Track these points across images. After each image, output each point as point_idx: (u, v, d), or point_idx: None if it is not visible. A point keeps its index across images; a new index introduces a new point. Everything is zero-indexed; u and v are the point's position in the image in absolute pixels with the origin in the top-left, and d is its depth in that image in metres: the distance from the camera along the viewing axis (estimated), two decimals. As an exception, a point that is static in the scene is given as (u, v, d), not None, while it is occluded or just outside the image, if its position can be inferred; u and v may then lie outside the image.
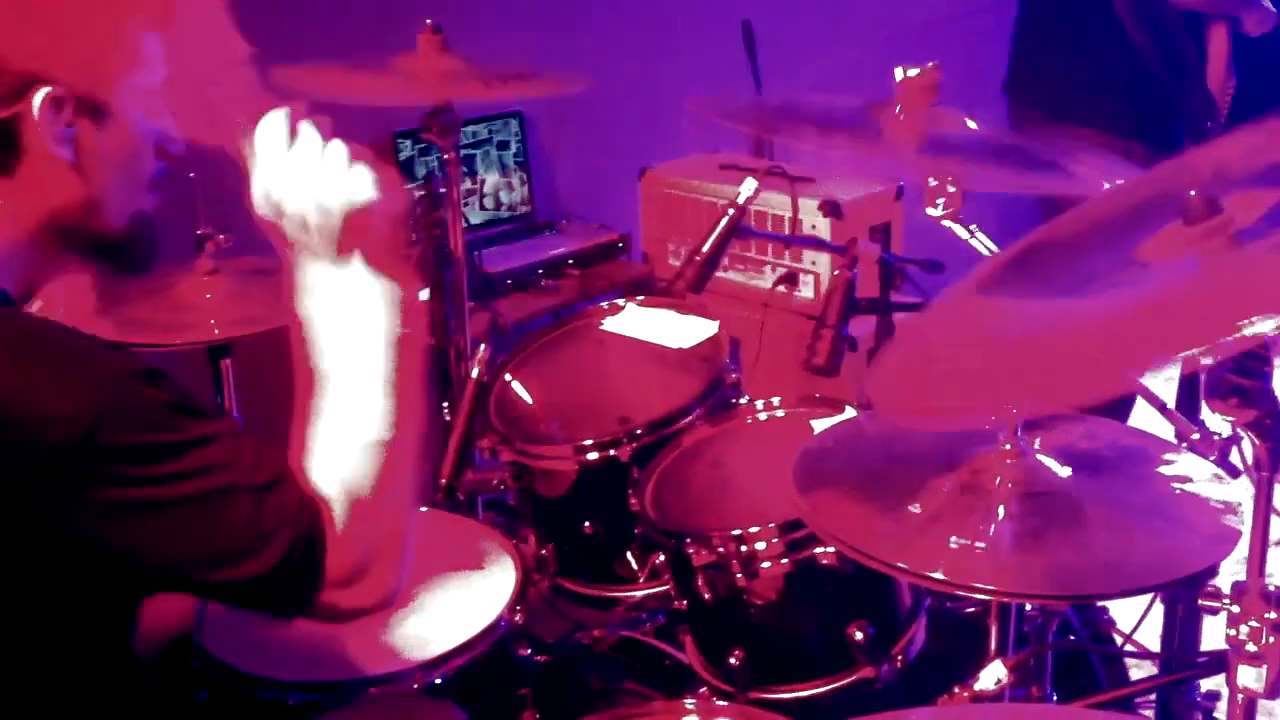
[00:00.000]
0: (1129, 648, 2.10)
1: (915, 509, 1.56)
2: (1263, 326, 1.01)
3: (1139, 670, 2.16)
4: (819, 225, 3.01)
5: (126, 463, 1.17)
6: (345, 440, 1.30)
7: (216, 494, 1.21)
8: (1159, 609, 2.05)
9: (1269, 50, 2.84)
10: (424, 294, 2.12)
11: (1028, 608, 1.65)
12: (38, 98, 1.25)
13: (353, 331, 1.34)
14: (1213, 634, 1.94)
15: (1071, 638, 1.93)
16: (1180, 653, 1.92)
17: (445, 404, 2.58)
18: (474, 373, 2.20)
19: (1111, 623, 2.04)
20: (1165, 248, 1.29)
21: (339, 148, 1.36)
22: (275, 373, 2.81)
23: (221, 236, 2.35)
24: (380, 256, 1.36)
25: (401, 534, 1.32)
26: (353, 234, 1.34)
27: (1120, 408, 2.67)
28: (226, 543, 1.22)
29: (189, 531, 1.21)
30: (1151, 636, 2.19)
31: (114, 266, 1.42)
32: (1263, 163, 1.31)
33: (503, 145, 3.47)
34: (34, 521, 1.17)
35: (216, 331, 2.29)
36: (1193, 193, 1.25)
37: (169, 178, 1.43)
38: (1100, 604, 2.04)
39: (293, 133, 1.36)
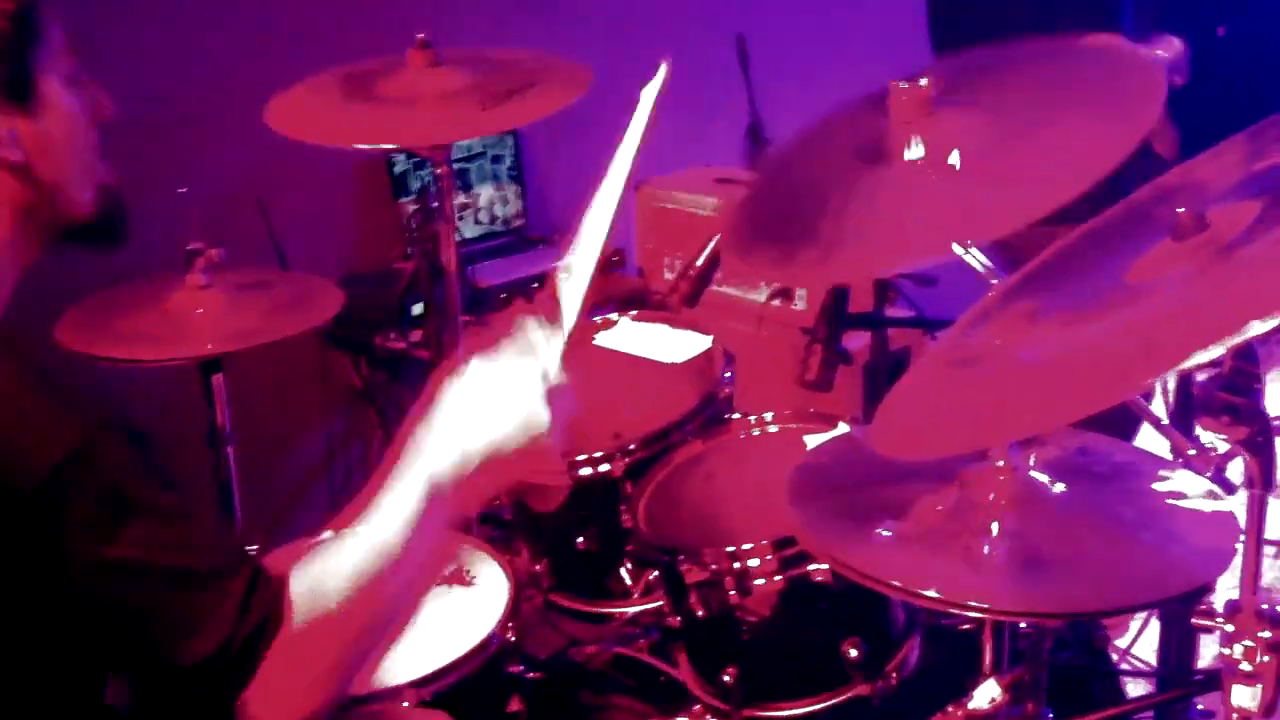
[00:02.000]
0: (1126, 664, 2.09)
1: (907, 526, 1.55)
2: (1258, 328, 1.02)
3: (1136, 687, 2.15)
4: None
5: (87, 507, 1.14)
6: (346, 561, 1.25)
7: (166, 571, 1.17)
8: (1155, 624, 2.04)
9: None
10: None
11: (1022, 625, 1.64)
12: None
13: (435, 469, 1.30)
14: (1211, 650, 1.93)
15: (1067, 654, 1.92)
16: (1177, 670, 1.91)
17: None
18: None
19: (1107, 639, 2.03)
20: (1154, 266, 1.29)
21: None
22: (266, 388, 2.82)
23: (213, 251, 2.34)
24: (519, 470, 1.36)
25: (345, 668, 1.27)
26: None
27: (1127, 427, 2.65)
28: (166, 620, 1.17)
29: (126, 602, 1.17)
30: (1148, 652, 2.19)
31: (90, 245, 1.40)
32: (1239, 176, 1.31)
33: (497, 159, 3.46)
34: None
35: (209, 346, 2.28)
36: (1180, 210, 1.25)
37: (111, 144, 1.40)
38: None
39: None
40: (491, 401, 1.33)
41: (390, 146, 3.04)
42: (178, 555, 1.18)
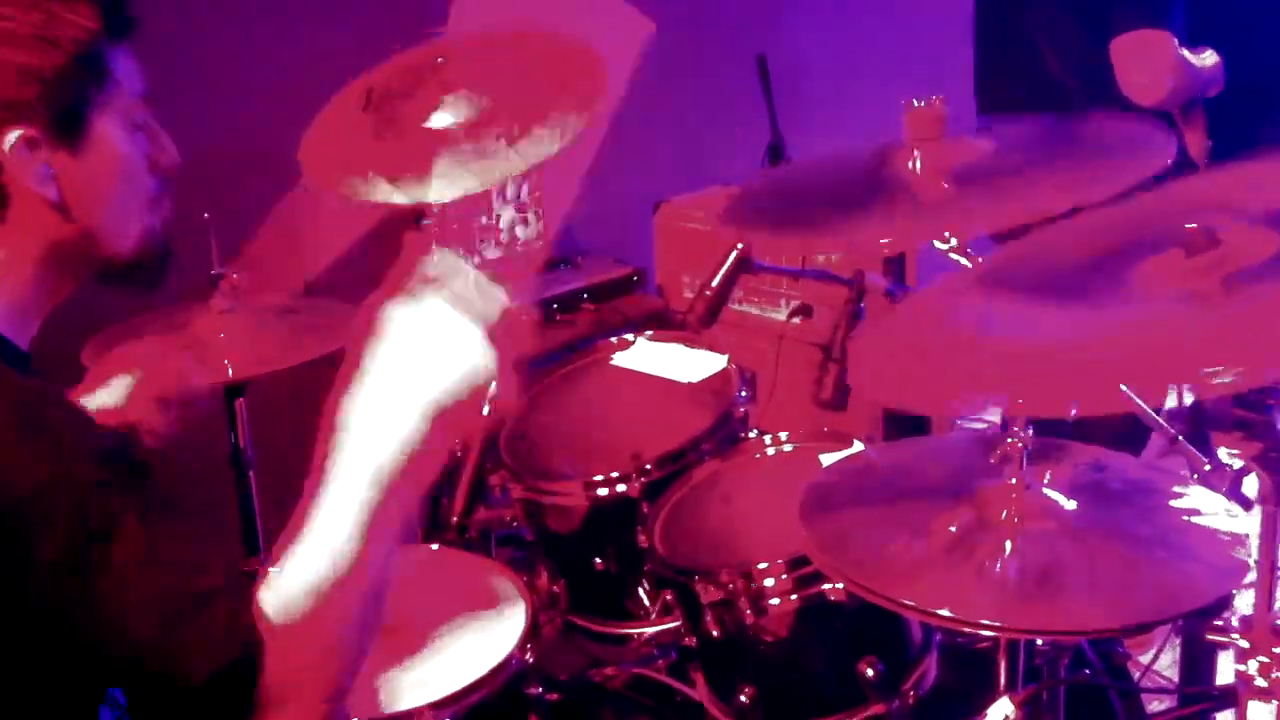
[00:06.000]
0: (1147, 681, 2.08)
1: (921, 545, 1.55)
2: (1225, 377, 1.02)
3: (1158, 705, 2.13)
4: (832, 256, 3.00)
5: (54, 540, 1.13)
6: (304, 567, 1.18)
7: (142, 601, 1.14)
8: (1176, 640, 2.03)
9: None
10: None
11: (1038, 642, 1.64)
12: (8, 142, 1.22)
13: (375, 448, 1.20)
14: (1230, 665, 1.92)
15: (1086, 671, 1.91)
16: (1197, 686, 1.90)
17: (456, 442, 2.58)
18: (484, 410, 2.20)
19: (1127, 655, 2.01)
20: (1160, 277, 1.29)
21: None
22: (289, 412, 2.83)
23: (236, 276, 2.37)
24: (470, 402, 1.23)
25: (331, 667, 1.20)
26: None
27: (1133, 440, 2.64)
28: (155, 649, 1.15)
29: (113, 630, 1.14)
30: (1171, 669, 2.17)
31: (125, 288, 1.39)
32: (1262, 201, 1.31)
33: (517, 181, 3.48)
34: None
35: (231, 371, 2.30)
36: (1192, 225, 1.26)
37: (173, 192, 1.40)
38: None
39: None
40: (426, 358, 1.21)
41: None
42: (155, 582, 1.15)
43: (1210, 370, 1.05)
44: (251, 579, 1.20)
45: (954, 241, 1.74)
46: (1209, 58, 2.68)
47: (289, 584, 1.18)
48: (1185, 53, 2.56)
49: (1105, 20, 2.58)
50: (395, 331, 1.22)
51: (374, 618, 1.23)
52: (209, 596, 1.16)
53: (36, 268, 1.30)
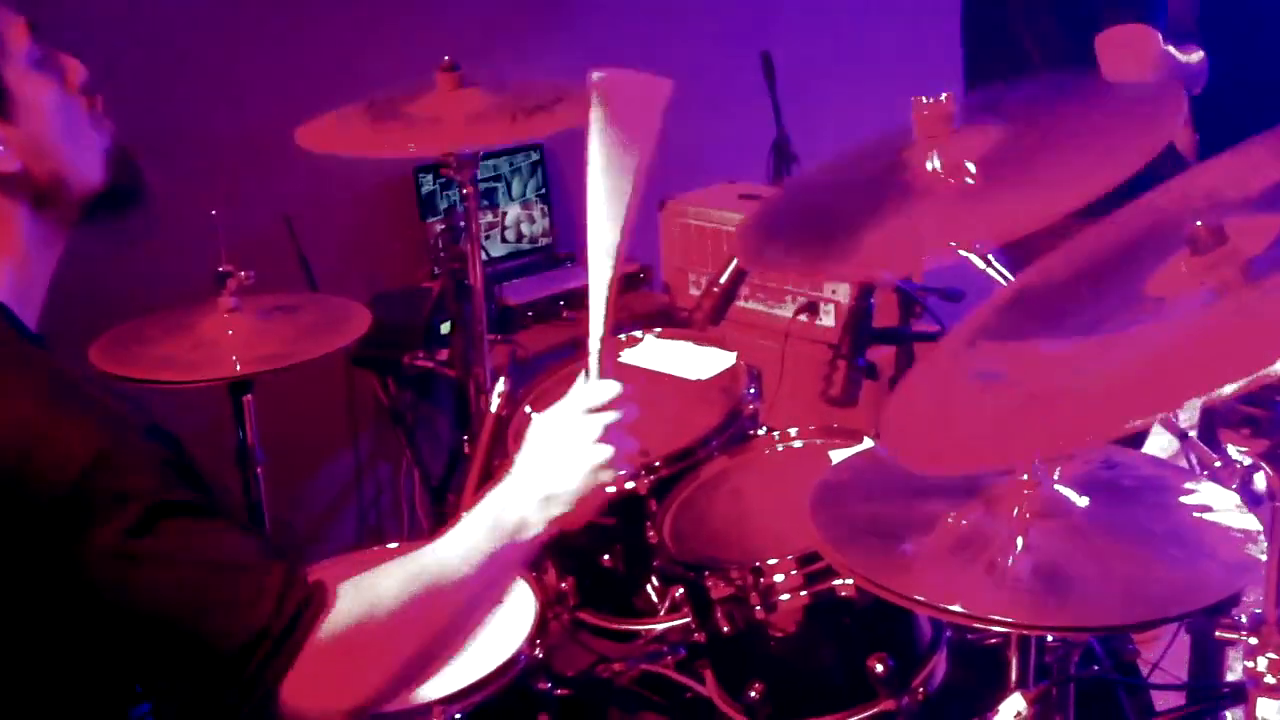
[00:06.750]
0: (1155, 677, 2.08)
1: (931, 541, 1.55)
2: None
3: (1166, 701, 2.13)
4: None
5: (116, 509, 1.16)
6: (401, 568, 1.29)
7: (194, 565, 1.19)
8: (1185, 637, 2.03)
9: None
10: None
11: (1049, 639, 1.64)
12: None
13: (505, 513, 1.36)
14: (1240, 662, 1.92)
15: (1095, 667, 1.91)
16: (1207, 683, 1.90)
17: (465, 437, 2.59)
18: (493, 406, 2.21)
19: (1136, 652, 2.02)
20: (1174, 281, 1.28)
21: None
22: (296, 409, 2.84)
23: (243, 274, 2.37)
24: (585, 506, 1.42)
25: (395, 671, 1.27)
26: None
27: (1137, 436, 2.65)
28: (203, 611, 1.19)
29: (162, 595, 1.18)
30: (1180, 666, 2.17)
31: (116, 212, 1.40)
32: (1258, 187, 1.31)
33: (524, 178, 3.49)
34: (33, 557, 1.17)
35: (238, 368, 2.31)
36: (1199, 223, 1.25)
37: (106, 105, 1.39)
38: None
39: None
40: (559, 457, 1.40)
41: (425, 161, 3.05)
42: (211, 549, 1.20)
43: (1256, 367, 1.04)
44: (286, 556, 1.24)
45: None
46: (1194, 54, 2.68)
47: (379, 580, 1.27)
48: (1170, 48, 2.56)
49: (1090, 16, 2.58)
50: (542, 437, 1.43)
51: (455, 640, 1.34)
52: (258, 564, 1.21)
53: (28, 240, 1.32)
